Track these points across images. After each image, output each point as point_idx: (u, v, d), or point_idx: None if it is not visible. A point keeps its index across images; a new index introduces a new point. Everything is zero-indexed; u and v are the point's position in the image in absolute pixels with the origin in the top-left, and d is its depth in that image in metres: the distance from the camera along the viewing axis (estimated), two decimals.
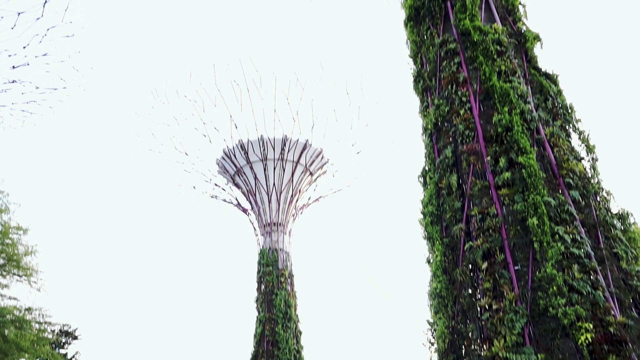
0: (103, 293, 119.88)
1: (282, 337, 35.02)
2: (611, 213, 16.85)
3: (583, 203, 16.30)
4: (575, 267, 14.42)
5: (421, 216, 17.46)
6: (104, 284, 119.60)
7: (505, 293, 14.29)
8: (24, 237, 17.04)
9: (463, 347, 15.14)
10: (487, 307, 14.67)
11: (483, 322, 14.70)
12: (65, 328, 42.61)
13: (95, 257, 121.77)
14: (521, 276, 14.77)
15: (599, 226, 16.05)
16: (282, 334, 35.11)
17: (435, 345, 15.56)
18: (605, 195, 17.16)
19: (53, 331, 41.51)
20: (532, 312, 14.05)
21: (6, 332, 16.04)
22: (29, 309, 16.74)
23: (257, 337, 35.88)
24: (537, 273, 14.37)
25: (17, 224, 16.77)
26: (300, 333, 36.93)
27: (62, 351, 41.50)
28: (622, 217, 17.01)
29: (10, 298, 17.07)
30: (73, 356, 43.08)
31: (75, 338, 43.20)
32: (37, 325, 16.90)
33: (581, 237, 15.10)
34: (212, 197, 42.72)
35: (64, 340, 42.64)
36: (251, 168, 39.04)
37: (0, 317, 15.93)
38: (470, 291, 15.64)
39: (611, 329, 13.59)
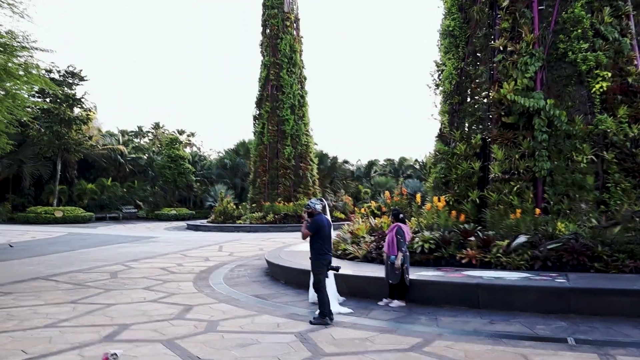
0: (106, 38, 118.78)
1: (287, 81, 34.63)
2: None
3: None
4: (607, 10, 12.96)
5: None
6: (107, 29, 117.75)
7: (523, 34, 13.02)
8: None
9: (470, 89, 14.42)
10: (501, 48, 13.49)
11: (494, 65, 13.70)
12: (70, 69, 42.53)
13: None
14: (544, 17, 13.34)
15: None
16: (287, 78, 34.66)
17: (441, 87, 14.79)
18: None
19: (59, 71, 41.65)
20: (548, 57, 13.01)
21: None
22: (10, 32, 15.61)
23: (262, 81, 35.56)
24: (563, 14, 12.94)
25: None
26: (305, 79, 36.51)
27: (71, 92, 42.09)
28: None
29: None
30: (82, 96, 43.80)
31: (82, 79, 43.39)
32: (26, 53, 16.02)
33: None
34: None
35: (71, 81, 42.94)
36: None
37: None
38: (485, 31, 14.32)
39: (629, 79, 12.79)
